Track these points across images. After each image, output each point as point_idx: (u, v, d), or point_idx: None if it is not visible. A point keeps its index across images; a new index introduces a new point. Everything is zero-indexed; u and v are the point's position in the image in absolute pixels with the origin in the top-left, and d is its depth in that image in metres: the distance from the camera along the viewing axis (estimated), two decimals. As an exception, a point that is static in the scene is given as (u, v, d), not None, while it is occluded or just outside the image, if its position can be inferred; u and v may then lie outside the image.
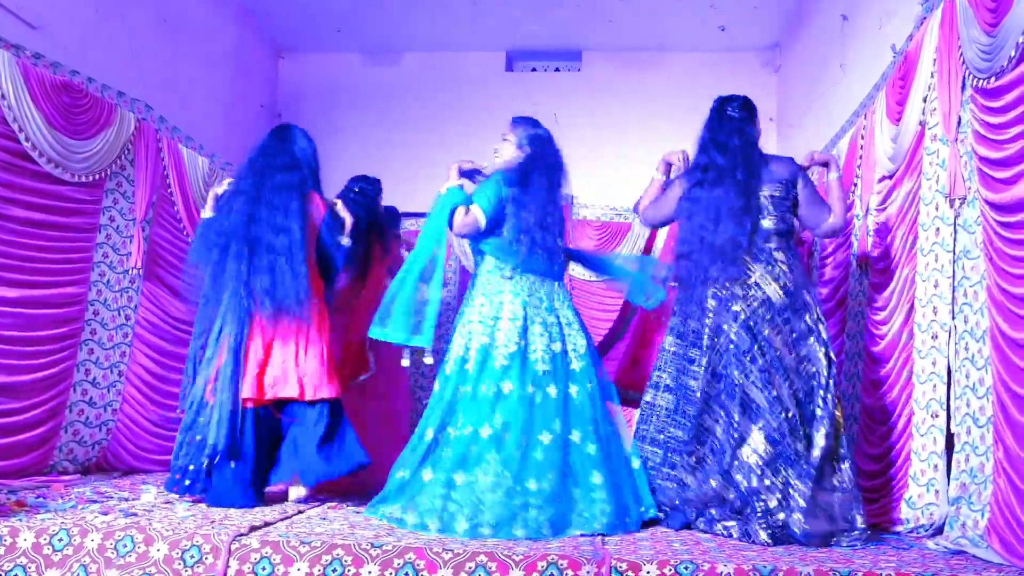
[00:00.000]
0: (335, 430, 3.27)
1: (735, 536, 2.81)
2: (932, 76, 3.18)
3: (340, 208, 3.57)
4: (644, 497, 3.06)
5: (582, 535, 2.76)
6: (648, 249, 4.71)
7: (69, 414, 4.08)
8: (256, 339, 3.24)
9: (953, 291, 2.97)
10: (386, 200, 4.45)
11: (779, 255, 3.07)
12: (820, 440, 2.86)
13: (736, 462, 2.91)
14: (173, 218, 4.82)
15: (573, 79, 6.91)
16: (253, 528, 2.53)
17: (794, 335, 3.01)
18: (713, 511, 2.93)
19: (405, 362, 3.31)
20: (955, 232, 2.98)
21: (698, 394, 3.05)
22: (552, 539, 2.67)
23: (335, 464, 3.23)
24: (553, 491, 2.86)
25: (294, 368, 3.26)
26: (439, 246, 3.18)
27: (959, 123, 2.94)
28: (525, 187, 3.20)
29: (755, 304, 3.02)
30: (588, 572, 2.25)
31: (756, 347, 2.97)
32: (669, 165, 3.48)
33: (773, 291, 3.02)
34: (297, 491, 3.33)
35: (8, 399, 3.68)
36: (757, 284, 3.04)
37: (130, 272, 4.49)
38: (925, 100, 3.24)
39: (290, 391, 3.23)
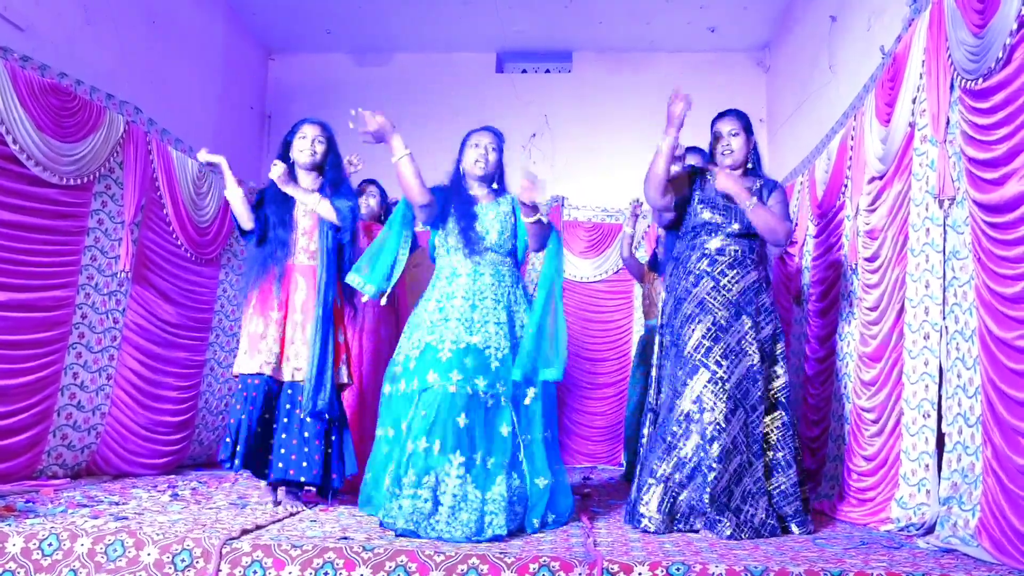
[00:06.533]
0: None
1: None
2: (921, 77, 3.20)
3: None
4: None
5: None
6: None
7: (57, 418, 4.05)
8: None
9: (944, 291, 2.99)
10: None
11: None
12: None
13: None
14: (162, 221, 4.79)
15: (563, 80, 6.92)
16: (244, 531, 2.52)
17: None
18: None
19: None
20: (944, 233, 3.00)
21: None
22: None
23: None
24: None
25: None
26: None
27: (948, 124, 2.96)
28: None
29: None
30: (580, 574, 2.25)
31: None
32: None
33: None
34: None
35: (-4, 403, 3.65)
36: None
37: (118, 275, 4.46)
38: (914, 101, 3.26)
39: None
